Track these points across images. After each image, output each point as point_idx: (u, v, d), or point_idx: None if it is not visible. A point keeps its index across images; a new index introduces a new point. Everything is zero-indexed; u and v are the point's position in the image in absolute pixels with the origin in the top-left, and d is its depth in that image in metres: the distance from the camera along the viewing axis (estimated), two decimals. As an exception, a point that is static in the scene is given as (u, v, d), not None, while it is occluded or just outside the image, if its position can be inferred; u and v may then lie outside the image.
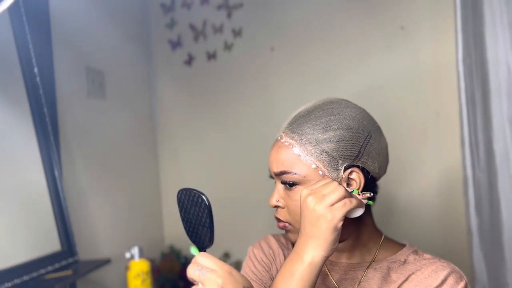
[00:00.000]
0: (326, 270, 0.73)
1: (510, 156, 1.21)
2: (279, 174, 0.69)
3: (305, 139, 0.67)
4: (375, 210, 0.77)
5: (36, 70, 1.16)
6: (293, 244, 0.78)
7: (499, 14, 1.21)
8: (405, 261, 0.69)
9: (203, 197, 0.58)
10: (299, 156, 0.67)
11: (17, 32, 1.13)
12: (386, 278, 0.68)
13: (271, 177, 0.74)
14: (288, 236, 0.73)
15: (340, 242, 0.71)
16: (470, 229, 1.30)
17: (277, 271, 0.76)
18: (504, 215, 1.21)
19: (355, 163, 0.67)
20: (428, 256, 0.69)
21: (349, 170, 0.67)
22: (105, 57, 1.55)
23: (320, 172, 0.66)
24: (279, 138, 0.71)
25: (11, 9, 1.10)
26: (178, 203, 0.62)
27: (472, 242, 1.29)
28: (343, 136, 0.67)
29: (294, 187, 0.68)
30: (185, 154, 1.83)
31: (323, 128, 0.67)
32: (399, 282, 0.66)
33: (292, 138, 0.68)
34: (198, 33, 1.76)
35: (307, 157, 0.67)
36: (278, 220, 0.72)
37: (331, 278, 0.72)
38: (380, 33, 1.49)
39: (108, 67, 1.55)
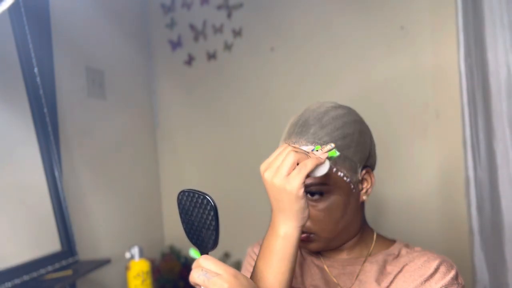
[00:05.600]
0: (325, 266, 0.74)
1: (510, 156, 1.21)
2: (304, 187, 0.66)
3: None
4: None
5: (36, 70, 1.16)
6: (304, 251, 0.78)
7: (499, 14, 1.21)
8: (398, 254, 0.72)
9: (209, 198, 0.55)
10: None
11: (17, 32, 1.13)
12: (382, 270, 0.70)
13: None
14: (310, 246, 0.71)
15: (347, 242, 0.73)
16: (472, 229, 1.30)
17: None
18: (504, 215, 1.21)
19: (367, 164, 0.71)
20: (418, 249, 0.72)
21: (364, 171, 0.70)
22: (105, 57, 1.55)
23: (345, 178, 0.67)
24: None
25: (11, 9, 1.10)
26: (179, 205, 0.59)
27: (474, 242, 1.29)
28: (358, 140, 0.69)
29: (319, 196, 0.67)
30: (185, 154, 1.83)
31: (341, 134, 0.68)
32: (394, 273, 0.68)
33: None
34: (198, 33, 1.76)
35: (332, 166, 0.66)
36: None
37: (329, 273, 0.73)
38: (380, 33, 1.49)
39: (108, 67, 1.54)
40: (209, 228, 0.56)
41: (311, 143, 0.67)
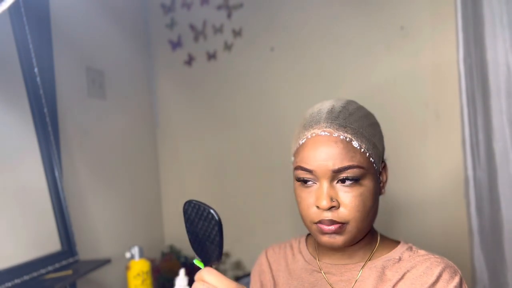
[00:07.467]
0: (322, 272, 0.72)
1: (509, 156, 1.21)
2: (342, 170, 0.64)
3: (358, 133, 0.66)
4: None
5: (36, 70, 1.16)
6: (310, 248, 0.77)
7: (499, 14, 1.21)
8: (400, 259, 0.69)
9: (214, 213, 0.54)
10: (360, 149, 0.65)
11: (17, 32, 1.13)
12: (381, 276, 0.68)
13: (301, 180, 0.68)
14: (338, 240, 0.66)
15: (363, 238, 0.71)
16: (471, 229, 1.30)
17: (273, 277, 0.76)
18: (504, 215, 1.21)
19: (384, 156, 0.71)
20: (422, 252, 0.69)
21: (383, 164, 0.70)
22: (105, 57, 1.55)
23: (375, 165, 0.67)
24: (328, 134, 0.65)
25: (11, 9, 1.10)
26: (184, 215, 0.57)
27: (473, 242, 1.29)
28: (379, 130, 0.70)
29: (354, 182, 0.65)
30: (185, 153, 1.83)
31: (368, 122, 0.68)
32: (395, 280, 0.66)
33: (346, 131, 0.65)
34: (198, 33, 1.76)
35: (366, 151, 0.66)
36: (333, 222, 0.65)
37: (327, 280, 0.71)
38: (380, 33, 1.49)
39: (108, 67, 1.55)
40: (212, 242, 0.55)
41: (344, 127, 0.65)
